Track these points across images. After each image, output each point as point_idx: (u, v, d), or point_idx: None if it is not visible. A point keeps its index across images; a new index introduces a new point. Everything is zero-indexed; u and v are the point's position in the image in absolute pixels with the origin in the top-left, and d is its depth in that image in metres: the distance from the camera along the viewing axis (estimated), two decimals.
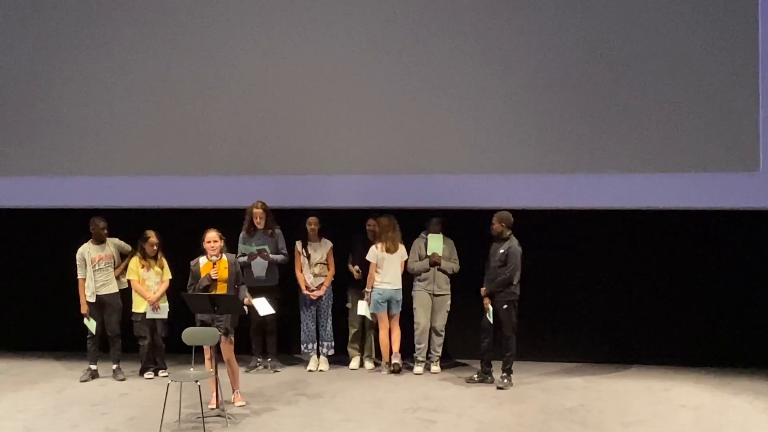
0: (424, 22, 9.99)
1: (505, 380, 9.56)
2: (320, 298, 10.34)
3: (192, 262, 8.94)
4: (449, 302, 10.19)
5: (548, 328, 10.54)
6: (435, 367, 10.24)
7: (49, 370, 10.53)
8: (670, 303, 10.32)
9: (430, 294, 10.17)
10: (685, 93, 9.57)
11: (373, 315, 10.22)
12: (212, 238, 8.80)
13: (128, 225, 10.46)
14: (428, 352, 10.26)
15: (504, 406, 8.87)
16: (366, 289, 10.20)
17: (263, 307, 9.36)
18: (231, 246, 9.74)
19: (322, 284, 10.34)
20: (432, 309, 10.20)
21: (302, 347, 10.48)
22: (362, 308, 10.22)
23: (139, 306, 10.10)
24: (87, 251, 10.07)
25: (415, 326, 10.21)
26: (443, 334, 10.23)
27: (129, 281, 10.13)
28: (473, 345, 10.11)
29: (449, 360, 10.55)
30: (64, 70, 10.61)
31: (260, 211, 10.14)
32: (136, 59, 10.48)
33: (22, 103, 10.71)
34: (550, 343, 10.58)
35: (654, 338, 10.39)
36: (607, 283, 10.45)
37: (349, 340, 10.53)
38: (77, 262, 10.07)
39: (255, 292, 9.81)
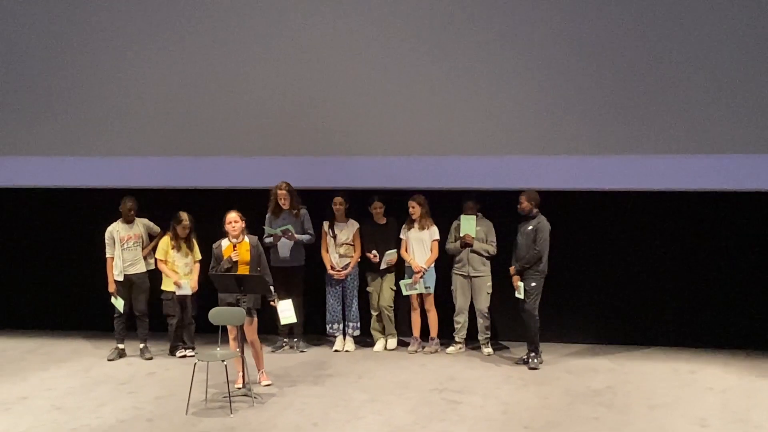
0: (452, 3, 9.92)
1: (536, 359, 9.57)
2: (346, 278, 10.34)
3: (214, 245, 8.97)
4: (489, 284, 10.12)
5: (574, 308, 10.50)
6: (487, 349, 10.20)
7: (77, 348, 10.61)
8: (697, 284, 10.25)
9: (465, 276, 10.15)
10: (716, 74, 9.45)
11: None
12: (233, 219, 8.80)
13: (155, 205, 10.51)
14: (477, 335, 10.26)
15: (529, 388, 8.87)
16: (425, 267, 10.21)
17: (287, 312, 9.28)
18: (256, 226, 9.77)
19: (348, 264, 10.34)
20: (471, 291, 10.19)
21: (328, 328, 10.51)
22: (421, 286, 10.23)
23: (168, 285, 10.14)
24: (116, 230, 10.13)
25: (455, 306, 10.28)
26: (488, 316, 10.19)
27: (156, 260, 10.19)
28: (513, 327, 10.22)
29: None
30: (95, 51, 10.61)
31: (284, 192, 10.13)
32: (166, 40, 10.47)
33: (53, 84, 10.72)
34: (576, 324, 10.55)
35: (681, 320, 10.33)
36: (634, 264, 10.39)
37: (371, 323, 10.54)
38: (106, 241, 10.13)
39: (281, 273, 9.87)
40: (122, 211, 10.17)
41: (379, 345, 10.44)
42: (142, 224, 10.29)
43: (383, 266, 10.28)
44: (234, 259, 8.77)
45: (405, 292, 10.25)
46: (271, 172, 10.31)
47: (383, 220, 10.41)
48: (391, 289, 10.41)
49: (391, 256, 10.25)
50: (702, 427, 7.69)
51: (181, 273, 10.07)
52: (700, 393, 8.68)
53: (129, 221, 10.18)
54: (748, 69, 9.39)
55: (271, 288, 8.91)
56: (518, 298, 9.60)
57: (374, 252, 10.27)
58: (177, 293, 10.08)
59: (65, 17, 10.63)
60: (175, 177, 10.68)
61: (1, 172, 11.00)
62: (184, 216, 10.05)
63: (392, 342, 10.44)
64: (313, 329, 10.76)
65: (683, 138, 9.59)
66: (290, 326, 10.17)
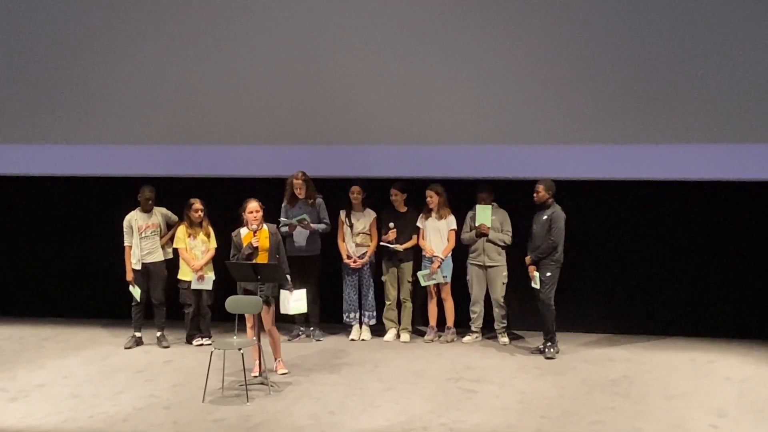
0: None
1: (552, 349, 9.56)
2: (362, 267, 10.34)
3: (233, 233, 8.96)
4: (505, 273, 10.12)
5: (590, 298, 10.49)
6: (503, 339, 10.19)
7: (95, 336, 10.65)
8: (715, 274, 10.23)
9: (480, 266, 10.14)
10: (734, 62, 9.41)
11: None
12: (254, 208, 8.79)
13: (172, 193, 10.51)
14: (493, 324, 10.25)
15: (546, 377, 8.86)
16: (442, 257, 10.19)
17: (299, 302, 9.26)
18: (273, 216, 9.77)
19: (364, 254, 10.34)
20: (487, 281, 10.18)
21: (344, 316, 10.51)
22: (439, 276, 10.21)
23: (185, 274, 10.18)
24: (134, 219, 10.15)
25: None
26: (504, 305, 10.17)
27: (176, 249, 10.20)
28: (529, 317, 10.21)
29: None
30: (111, 39, 10.62)
31: (300, 181, 10.12)
32: (181, 29, 10.47)
33: (70, 72, 10.75)
34: (593, 313, 10.53)
35: (699, 310, 10.30)
36: (651, 253, 10.36)
37: (384, 312, 10.53)
38: (124, 230, 10.15)
39: (297, 262, 9.86)
40: (140, 200, 10.19)
41: (389, 334, 10.43)
42: (160, 213, 10.31)
43: (392, 243, 10.25)
44: (255, 245, 8.76)
45: (423, 283, 10.24)
46: (287, 161, 10.31)
47: (404, 209, 10.39)
48: (408, 281, 10.40)
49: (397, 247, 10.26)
50: (720, 417, 7.66)
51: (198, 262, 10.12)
52: (718, 383, 8.65)
53: (147, 210, 10.20)
54: (764, 57, 9.33)
55: (288, 277, 8.94)
56: (534, 288, 9.58)
57: (391, 224, 10.25)
58: (194, 286, 10.11)
59: (80, 7, 10.66)
60: (192, 165, 10.70)
61: (20, 160, 11.04)
62: (195, 200, 10.10)
63: (405, 336, 10.41)
64: (329, 318, 10.76)
65: (702, 127, 9.54)
66: (306, 315, 10.15)
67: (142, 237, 10.12)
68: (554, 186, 9.54)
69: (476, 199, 10.13)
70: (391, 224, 10.25)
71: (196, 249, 10.14)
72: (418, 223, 10.31)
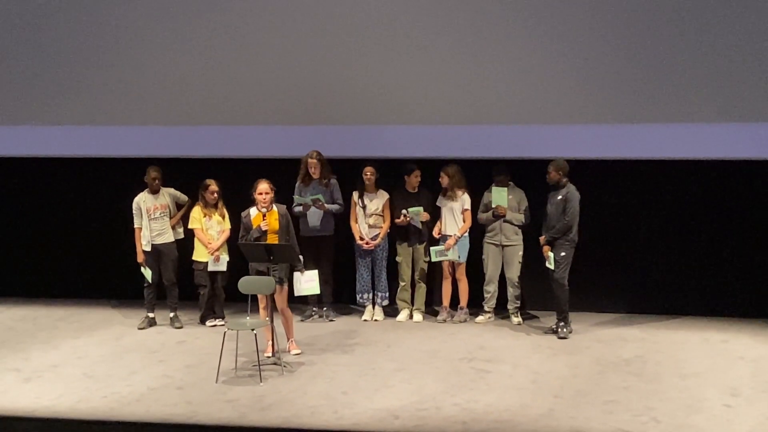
0: None
1: (565, 329, 9.55)
2: (376, 248, 10.33)
3: (243, 214, 8.97)
4: (521, 253, 10.09)
5: (604, 278, 10.48)
6: (516, 319, 10.18)
7: (108, 317, 10.68)
8: (728, 253, 10.19)
9: (497, 245, 10.11)
10: (748, 40, 9.36)
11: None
12: (264, 189, 8.78)
13: (185, 174, 10.53)
14: (506, 304, 10.24)
15: (559, 357, 8.85)
16: (458, 234, 10.16)
17: (311, 283, 9.26)
18: (286, 196, 9.76)
19: (377, 235, 10.32)
20: (503, 260, 10.17)
21: (357, 297, 10.51)
22: (454, 254, 10.18)
23: (200, 255, 10.19)
24: (143, 200, 10.14)
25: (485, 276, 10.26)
26: (518, 285, 10.15)
27: (191, 230, 10.21)
28: (543, 297, 10.22)
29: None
30: (121, 19, 10.59)
31: (315, 161, 10.10)
32: (193, 7, 10.44)
33: (82, 54, 10.72)
34: (606, 293, 10.52)
35: (712, 289, 10.28)
36: (664, 233, 10.34)
37: (397, 293, 10.52)
38: (134, 212, 10.15)
39: (310, 242, 9.86)
40: (147, 181, 10.17)
41: (402, 315, 10.43)
42: (168, 194, 10.29)
43: (415, 220, 10.18)
44: (264, 229, 8.76)
45: (434, 259, 10.20)
46: (301, 141, 10.28)
47: (415, 189, 10.36)
48: (424, 260, 10.38)
49: (417, 213, 10.17)
50: (733, 397, 7.65)
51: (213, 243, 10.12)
52: (731, 362, 8.64)
53: (155, 191, 10.18)
54: None
55: (300, 257, 8.94)
56: (548, 268, 9.56)
57: (405, 211, 10.19)
58: (210, 267, 10.13)
59: None
60: (205, 146, 10.68)
61: (31, 141, 11.03)
62: (211, 182, 10.11)
63: (418, 316, 10.42)
64: (342, 298, 10.77)
65: (715, 106, 9.50)
66: (319, 295, 10.13)
67: (151, 218, 10.12)
68: (567, 166, 9.49)
69: (491, 179, 10.09)
70: (404, 211, 10.21)
71: (211, 230, 10.14)
72: (438, 203, 10.29)
